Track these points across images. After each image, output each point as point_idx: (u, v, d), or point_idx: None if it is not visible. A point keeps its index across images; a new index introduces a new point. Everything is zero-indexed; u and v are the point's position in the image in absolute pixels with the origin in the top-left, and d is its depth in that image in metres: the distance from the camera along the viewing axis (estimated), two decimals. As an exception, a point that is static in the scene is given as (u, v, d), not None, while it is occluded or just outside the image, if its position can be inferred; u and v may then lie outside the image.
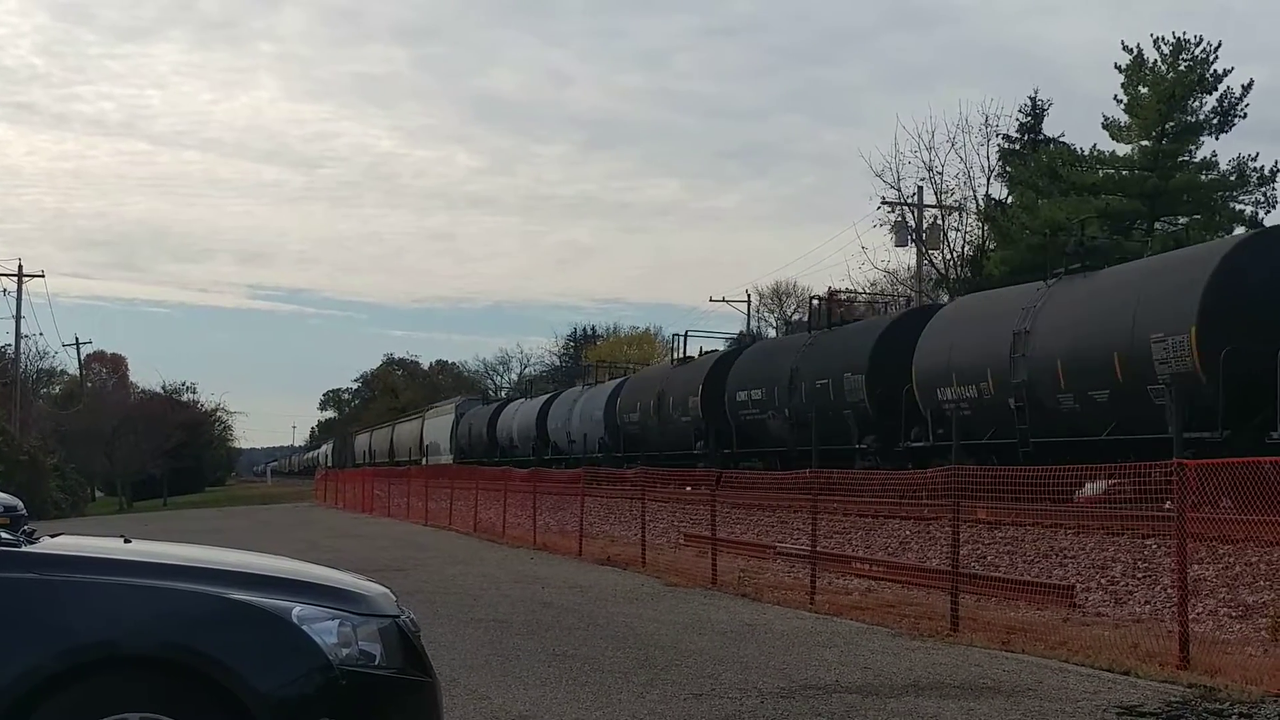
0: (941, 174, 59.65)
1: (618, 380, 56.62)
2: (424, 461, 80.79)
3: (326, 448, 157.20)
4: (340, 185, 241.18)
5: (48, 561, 6.15)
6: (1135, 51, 51.57)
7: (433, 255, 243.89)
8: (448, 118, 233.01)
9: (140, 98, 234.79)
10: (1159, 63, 51.09)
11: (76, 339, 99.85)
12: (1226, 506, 15.06)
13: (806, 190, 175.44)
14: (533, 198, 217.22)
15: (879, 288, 65.64)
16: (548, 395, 65.57)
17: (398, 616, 6.48)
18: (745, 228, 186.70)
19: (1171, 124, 51.21)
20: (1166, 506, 14.05)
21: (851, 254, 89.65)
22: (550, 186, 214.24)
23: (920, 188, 58.76)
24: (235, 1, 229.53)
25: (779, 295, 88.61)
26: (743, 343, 49.02)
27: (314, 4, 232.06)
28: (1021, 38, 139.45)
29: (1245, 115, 51.62)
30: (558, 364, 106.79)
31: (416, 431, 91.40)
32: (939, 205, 59.44)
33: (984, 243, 58.20)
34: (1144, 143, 52.00)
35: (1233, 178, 51.83)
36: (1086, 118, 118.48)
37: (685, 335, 53.92)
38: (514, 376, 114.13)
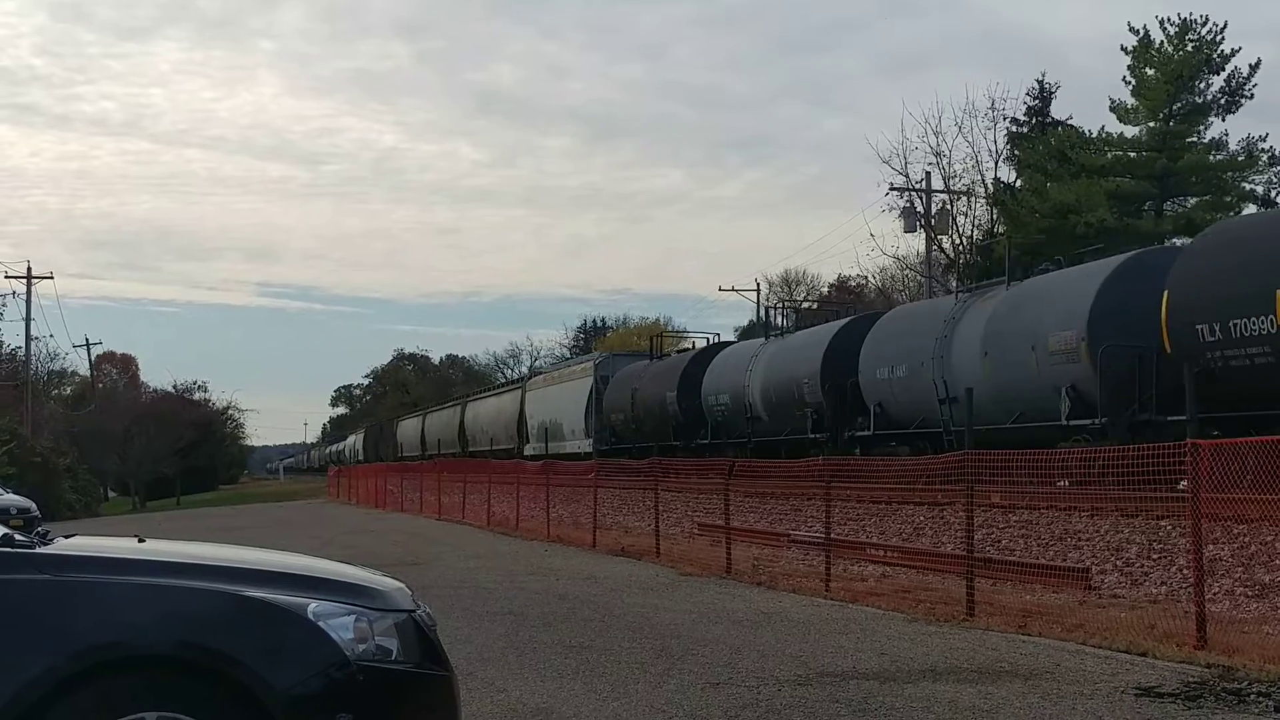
0: (949, 159, 59.59)
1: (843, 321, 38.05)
2: (525, 451, 60.28)
3: (355, 439, 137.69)
4: (345, 181, 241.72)
5: (62, 562, 6.14)
6: (1141, 33, 51.47)
7: (440, 250, 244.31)
8: (450, 112, 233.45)
9: (142, 97, 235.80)
10: (1165, 44, 50.98)
11: (87, 340, 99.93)
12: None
13: (810, 178, 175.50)
14: (537, 190, 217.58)
15: (889, 274, 65.64)
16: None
17: (414, 611, 6.47)
18: (750, 216, 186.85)
19: (1179, 105, 51.11)
20: (1181, 486, 14.02)
21: (860, 240, 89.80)
22: (554, 178, 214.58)
23: (928, 173, 58.72)
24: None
25: (789, 283, 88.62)
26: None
27: (312, 0, 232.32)
28: (1021, 22, 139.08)
29: (1253, 96, 51.54)
30: (568, 356, 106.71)
31: (508, 411, 68.53)
32: (947, 190, 59.37)
33: (993, 227, 58.10)
34: (1152, 124, 51.90)
35: (1241, 158, 51.72)
36: (1093, 100, 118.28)
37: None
38: (524, 370, 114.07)
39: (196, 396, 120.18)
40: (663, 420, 45.47)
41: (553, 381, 62.72)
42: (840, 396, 34.05)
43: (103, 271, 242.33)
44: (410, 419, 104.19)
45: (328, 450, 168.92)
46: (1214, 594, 14.02)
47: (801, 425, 35.83)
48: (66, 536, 6.94)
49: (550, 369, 72.05)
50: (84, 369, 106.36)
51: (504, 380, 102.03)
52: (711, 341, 50.60)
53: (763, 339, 42.10)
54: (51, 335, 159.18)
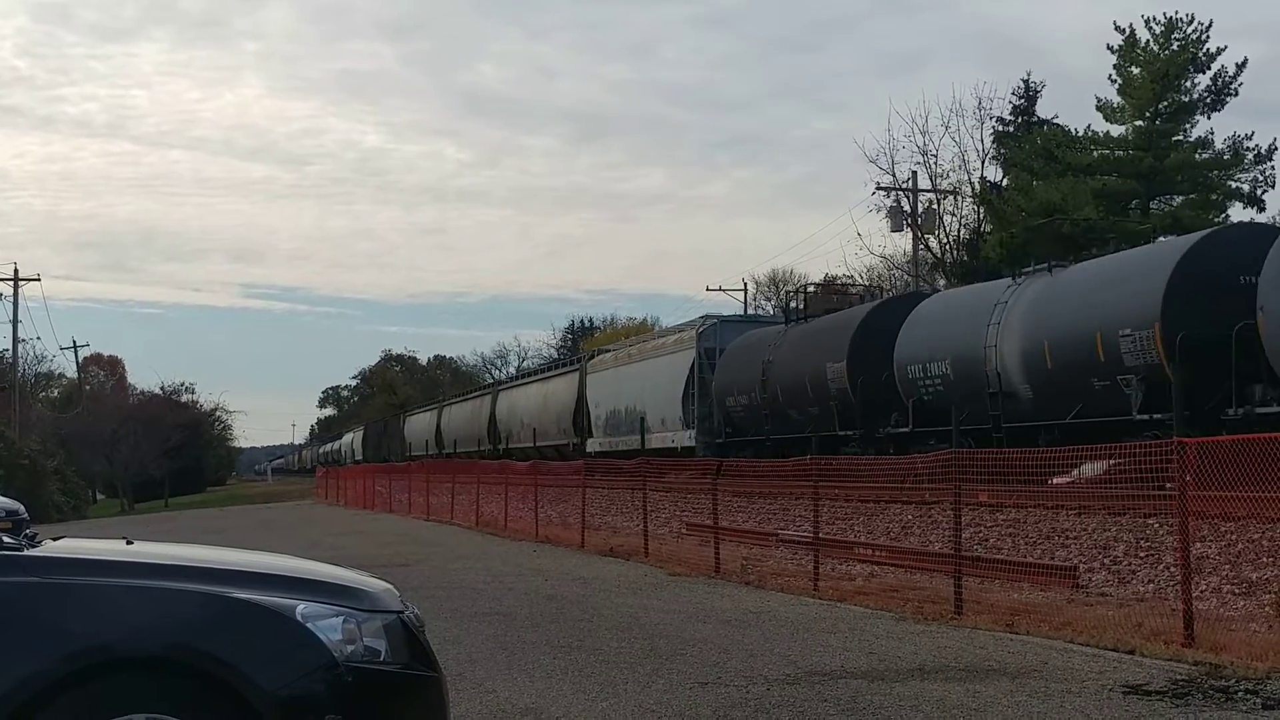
0: (936, 158, 59.76)
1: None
2: (588, 448, 50.39)
3: (352, 437, 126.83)
4: (329, 182, 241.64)
5: (50, 565, 6.13)
6: (1127, 31, 51.59)
7: (425, 250, 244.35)
8: (435, 112, 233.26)
9: (125, 98, 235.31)
10: (1151, 43, 51.11)
11: (74, 342, 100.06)
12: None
13: (798, 178, 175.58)
14: (523, 190, 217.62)
15: (876, 273, 65.72)
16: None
17: (402, 612, 6.47)
18: (737, 216, 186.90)
19: (1165, 103, 51.25)
20: (1168, 486, 14.05)
21: (847, 240, 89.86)
22: (540, 179, 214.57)
23: (915, 172, 58.84)
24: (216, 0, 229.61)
25: (775, 283, 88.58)
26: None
27: (297, 0, 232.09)
28: (1011, 20, 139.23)
29: (1237, 94, 51.70)
30: (556, 356, 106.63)
31: (560, 399, 57.03)
32: (934, 189, 59.52)
33: (980, 226, 58.23)
34: (1138, 123, 52.03)
35: (1227, 156, 51.84)
36: (1079, 98, 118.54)
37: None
38: (512, 370, 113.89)
39: (184, 398, 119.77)
40: (820, 402, 34.04)
41: (628, 360, 50.06)
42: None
43: (88, 273, 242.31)
44: (421, 413, 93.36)
45: (321, 450, 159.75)
46: (1201, 592, 14.06)
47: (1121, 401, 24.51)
48: (54, 539, 6.94)
49: (625, 344, 57.77)
50: (71, 371, 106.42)
51: (491, 380, 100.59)
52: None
53: (1010, 279, 29.91)
54: (39, 337, 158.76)
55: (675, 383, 43.89)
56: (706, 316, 47.89)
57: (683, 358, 44.00)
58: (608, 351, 55.56)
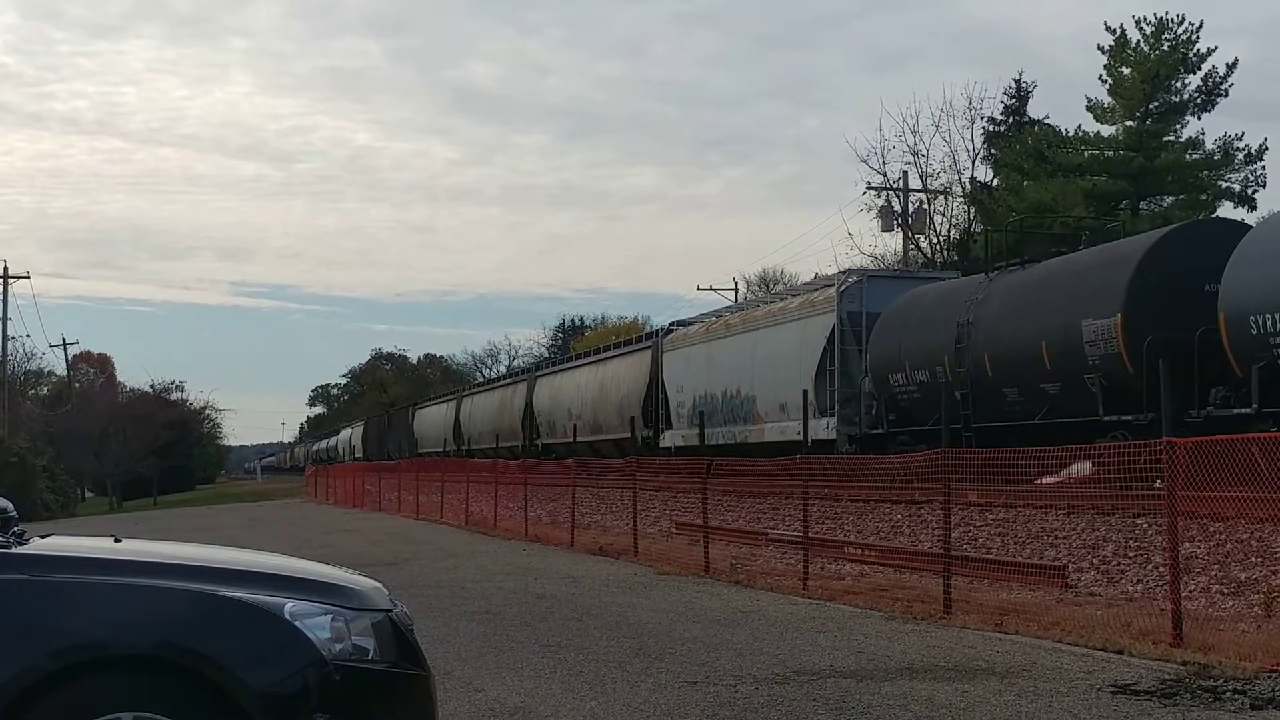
0: (926, 158, 59.76)
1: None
2: (664, 442, 42.20)
3: (351, 433, 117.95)
4: (319, 179, 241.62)
5: (38, 562, 6.13)
6: (1118, 32, 51.63)
7: (415, 249, 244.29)
8: (425, 110, 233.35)
9: (114, 95, 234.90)
10: (1142, 43, 51.15)
11: (64, 339, 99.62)
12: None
13: (789, 176, 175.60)
14: (512, 189, 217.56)
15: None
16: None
17: (390, 610, 6.47)
18: (728, 215, 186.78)
19: (1155, 104, 51.30)
20: (1156, 485, 14.07)
21: (838, 239, 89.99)
22: (530, 177, 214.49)
23: (906, 172, 58.83)
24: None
25: (766, 282, 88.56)
26: None
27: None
28: (1000, 19, 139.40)
29: (1229, 94, 51.76)
30: (546, 355, 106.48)
31: (624, 384, 46.99)
32: (924, 189, 59.56)
33: (970, 225, 58.28)
34: (1128, 123, 52.07)
35: (1218, 157, 51.90)
36: (1070, 98, 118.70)
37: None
38: (502, 369, 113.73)
39: (174, 396, 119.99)
40: (1068, 376, 24.70)
41: (726, 331, 39.92)
42: None
43: (77, 270, 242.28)
44: (436, 405, 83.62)
45: (315, 448, 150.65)
46: (1190, 592, 14.07)
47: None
48: (43, 536, 6.93)
49: (722, 314, 44.82)
50: (61, 369, 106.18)
51: (482, 379, 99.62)
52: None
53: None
54: (28, 335, 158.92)
55: (804, 358, 34.02)
56: (847, 271, 37.65)
57: (816, 325, 33.88)
58: (690, 325, 44.05)
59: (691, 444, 38.41)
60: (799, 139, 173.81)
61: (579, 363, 55.45)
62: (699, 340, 41.84)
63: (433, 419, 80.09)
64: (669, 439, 42.05)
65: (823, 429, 32.47)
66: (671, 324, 46.68)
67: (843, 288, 33.59)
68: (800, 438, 31.66)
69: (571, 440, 50.17)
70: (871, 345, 31.63)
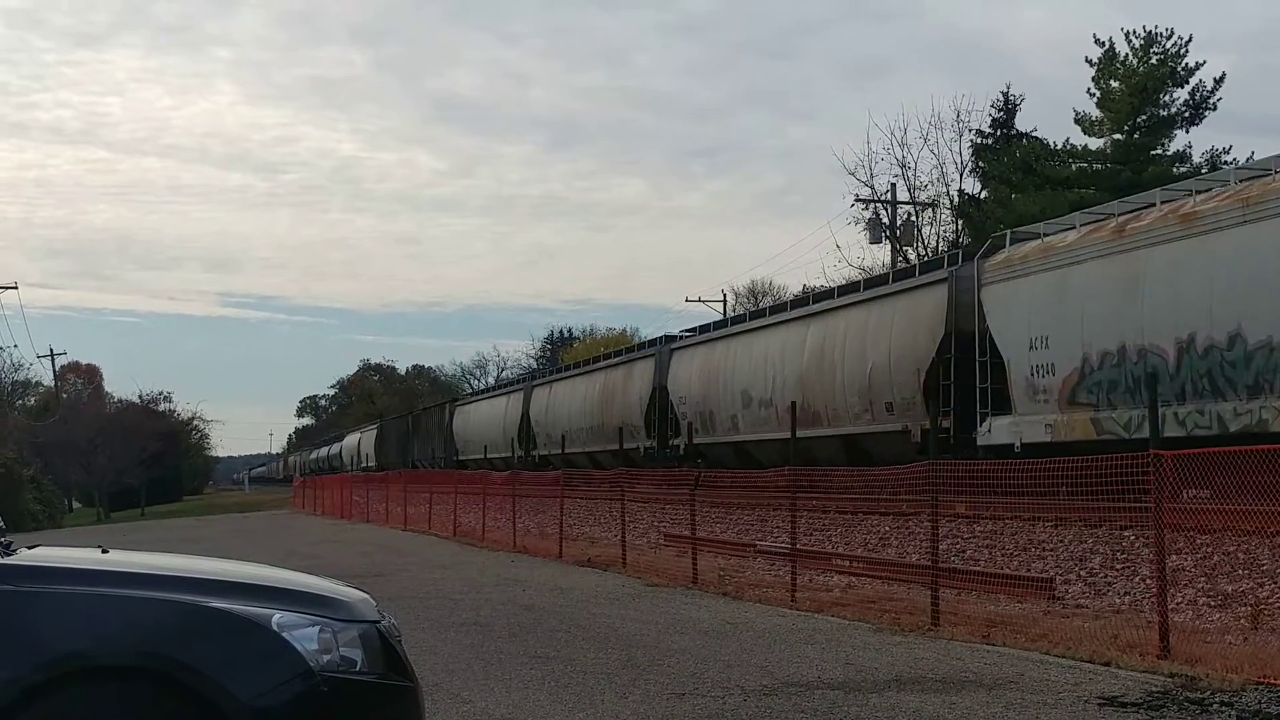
0: (914, 170, 59.90)
1: None
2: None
3: (359, 439, 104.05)
4: (304, 190, 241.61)
5: (24, 573, 6.12)
6: (1107, 45, 51.79)
7: (400, 260, 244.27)
8: (408, 120, 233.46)
9: (99, 105, 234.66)
10: (1130, 56, 51.30)
11: (51, 350, 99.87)
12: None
13: (774, 188, 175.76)
14: (497, 199, 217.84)
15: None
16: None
17: (378, 621, 6.47)
18: (714, 226, 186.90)
19: (1143, 117, 51.42)
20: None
21: (826, 251, 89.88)
22: (515, 187, 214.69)
23: (893, 184, 58.91)
24: (188, 5, 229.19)
25: (755, 294, 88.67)
26: None
27: (267, 6, 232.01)
28: (982, 30, 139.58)
29: (1217, 108, 51.92)
30: (535, 367, 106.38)
31: (896, 340, 28.87)
32: (913, 201, 59.64)
33: (958, 238, 58.35)
34: (1116, 136, 52.20)
35: (1205, 170, 52.02)
36: (1056, 109, 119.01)
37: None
38: (490, 380, 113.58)
39: (161, 407, 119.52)
40: None
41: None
42: None
43: (63, 281, 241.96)
44: (486, 400, 66.86)
45: (312, 456, 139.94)
46: (1177, 604, 14.09)
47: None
48: (30, 547, 6.91)
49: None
50: (48, 379, 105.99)
51: (470, 391, 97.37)
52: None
53: None
54: (15, 345, 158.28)
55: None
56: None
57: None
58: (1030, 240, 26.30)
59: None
60: (782, 150, 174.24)
61: (763, 323, 36.78)
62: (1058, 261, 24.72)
63: (484, 419, 63.45)
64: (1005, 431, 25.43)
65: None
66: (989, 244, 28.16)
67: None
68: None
69: (750, 435, 35.32)
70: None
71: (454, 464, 61.04)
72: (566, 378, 53.08)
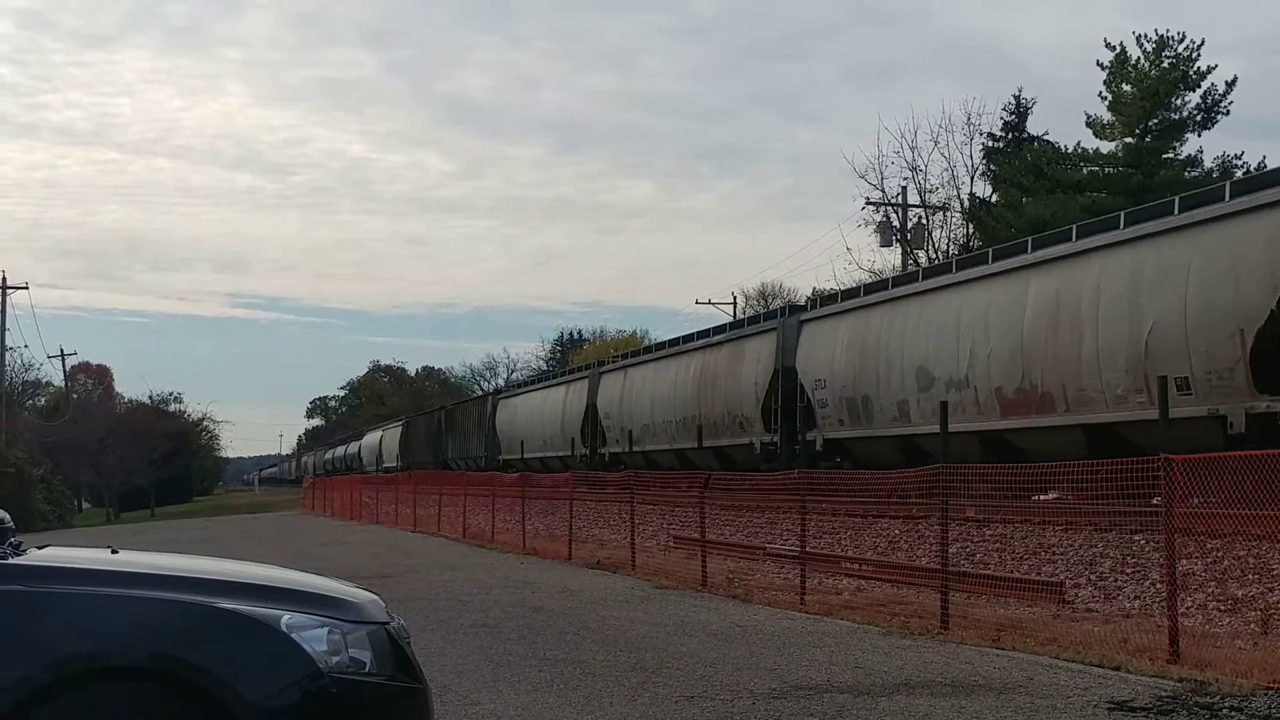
0: (925, 173, 59.81)
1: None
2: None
3: (380, 437, 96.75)
4: (314, 191, 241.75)
5: (34, 573, 6.12)
6: (1118, 49, 51.70)
7: (410, 261, 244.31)
8: (418, 121, 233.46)
9: (109, 106, 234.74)
10: (1142, 60, 51.21)
11: (61, 351, 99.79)
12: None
13: (783, 190, 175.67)
14: (506, 201, 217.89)
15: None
16: None
17: (387, 623, 6.46)
18: (723, 228, 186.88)
19: (1155, 121, 51.33)
20: (1155, 502, 14.06)
21: (837, 254, 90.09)
22: (524, 189, 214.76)
23: (904, 187, 58.88)
24: (198, 6, 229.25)
25: (765, 296, 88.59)
26: None
27: (277, 8, 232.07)
28: (991, 32, 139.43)
29: (1229, 112, 51.80)
30: (545, 369, 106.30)
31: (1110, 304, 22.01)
32: (923, 204, 59.61)
33: (969, 241, 58.30)
34: (1128, 140, 52.10)
35: (1217, 174, 51.91)
36: (1067, 112, 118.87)
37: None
38: (500, 382, 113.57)
39: (171, 408, 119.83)
40: None
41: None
42: None
43: (73, 281, 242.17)
44: (539, 390, 57.21)
45: (327, 456, 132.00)
46: (1187, 608, 14.07)
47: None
48: (40, 547, 6.91)
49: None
50: (59, 379, 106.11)
51: (481, 391, 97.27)
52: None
53: None
54: (26, 345, 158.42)
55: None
56: None
57: None
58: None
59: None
60: (791, 153, 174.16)
61: (928, 284, 28.98)
62: None
63: (538, 412, 54.70)
64: None
65: None
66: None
67: None
68: None
69: (919, 426, 27.89)
70: None
71: (495, 465, 54.62)
72: (647, 361, 44.90)
